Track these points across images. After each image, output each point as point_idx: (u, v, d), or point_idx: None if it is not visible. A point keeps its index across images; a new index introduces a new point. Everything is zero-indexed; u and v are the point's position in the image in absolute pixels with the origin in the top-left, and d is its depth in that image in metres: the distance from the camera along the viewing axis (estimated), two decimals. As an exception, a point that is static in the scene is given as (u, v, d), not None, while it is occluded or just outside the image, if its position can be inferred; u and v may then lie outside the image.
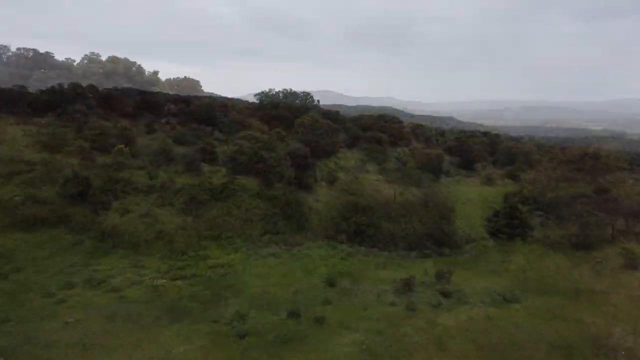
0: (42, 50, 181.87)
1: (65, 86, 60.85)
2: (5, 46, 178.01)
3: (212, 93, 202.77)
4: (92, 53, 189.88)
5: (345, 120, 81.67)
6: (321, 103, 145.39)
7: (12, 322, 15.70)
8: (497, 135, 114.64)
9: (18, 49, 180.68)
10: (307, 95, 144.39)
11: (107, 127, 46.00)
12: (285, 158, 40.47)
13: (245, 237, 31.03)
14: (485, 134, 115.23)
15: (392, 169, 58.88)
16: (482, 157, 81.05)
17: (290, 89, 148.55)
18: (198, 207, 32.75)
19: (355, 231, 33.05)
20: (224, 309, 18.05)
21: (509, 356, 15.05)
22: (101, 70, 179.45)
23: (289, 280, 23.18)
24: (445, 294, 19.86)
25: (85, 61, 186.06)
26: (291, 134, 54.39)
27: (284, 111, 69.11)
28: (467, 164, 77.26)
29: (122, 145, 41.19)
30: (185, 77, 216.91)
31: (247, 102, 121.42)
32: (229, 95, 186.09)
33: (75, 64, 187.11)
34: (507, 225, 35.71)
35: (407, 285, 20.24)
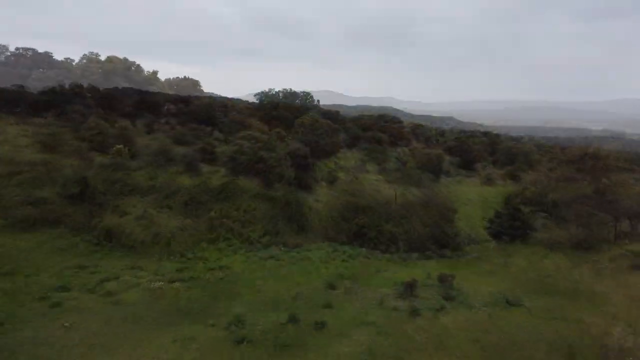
0: (41, 50, 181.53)
1: (67, 86, 60.58)
2: (4, 46, 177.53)
3: (212, 93, 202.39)
4: (91, 53, 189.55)
5: (345, 120, 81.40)
6: (321, 103, 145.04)
7: (5, 326, 15.33)
8: (497, 135, 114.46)
9: (17, 48, 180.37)
10: (307, 95, 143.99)
11: (105, 127, 45.62)
12: (285, 158, 40.13)
13: (245, 238, 30.67)
14: (485, 134, 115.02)
15: (392, 169, 58.58)
16: (482, 157, 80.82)
17: (290, 89, 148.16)
18: (197, 208, 32.39)
19: (355, 232, 32.71)
20: (222, 312, 17.69)
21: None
22: (100, 70, 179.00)
23: (289, 283, 22.83)
24: (448, 298, 19.51)
25: (84, 61, 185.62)
26: (291, 134, 54.08)
27: (283, 111, 68.80)
28: (467, 164, 77.03)
29: (121, 146, 40.81)
30: (184, 77, 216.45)
31: (247, 102, 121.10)
32: (229, 95, 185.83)
33: (74, 63, 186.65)
34: (509, 227, 35.38)
35: (409, 289, 19.88)
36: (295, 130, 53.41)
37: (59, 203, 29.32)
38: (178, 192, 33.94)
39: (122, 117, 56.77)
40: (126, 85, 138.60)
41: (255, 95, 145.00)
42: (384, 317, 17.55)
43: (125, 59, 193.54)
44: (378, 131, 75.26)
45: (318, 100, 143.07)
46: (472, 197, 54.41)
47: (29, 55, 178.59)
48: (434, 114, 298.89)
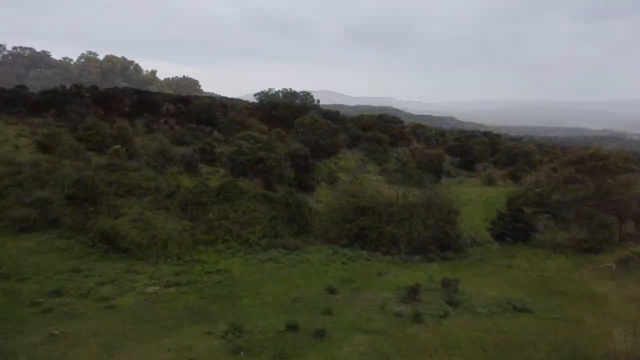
0: (39, 50, 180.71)
1: (68, 87, 60.11)
2: (1, 45, 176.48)
3: (212, 93, 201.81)
4: (90, 52, 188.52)
5: (346, 120, 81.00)
6: (321, 103, 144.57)
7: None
8: (497, 136, 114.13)
9: (14, 47, 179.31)
10: (307, 95, 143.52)
11: (103, 127, 45.13)
12: (285, 159, 39.67)
13: (243, 240, 30.14)
14: (486, 134, 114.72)
15: (393, 170, 58.10)
16: (483, 157, 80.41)
17: (290, 89, 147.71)
18: (195, 209, 31.84)
19: (356, 234, 32.17)
20: (219, 318, 17.15)
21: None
22: (98, 70, 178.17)
23: (288, 286, 22.30)
24: (452, 303, 18.98)
25: (82, 60, 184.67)
26: (291, 134, 53.60)
27: (283, 111, 68.39)
28: (467, 164, 76.61)
29: (119, 146, 40.34)
30: (184, 76, 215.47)
31: (247, 102, 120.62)
32: (229, 95, 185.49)
33: (72, 63, 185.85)
34: (512, 228, 34.91)
35: (412, 293, 19.35)
36: (295, 131, 52.92)
37: (51, 205, 28.88)
38: (176, 193, 33.39)
39: (120, 117, 56.32)
40: (125, 84, 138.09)
41: (255, 95, 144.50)
42: (386, 323, 17.02)
43: (124, 59, 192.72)
44: (378, 131, 74.85)
45: (318, 100, 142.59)
46: (473, 198, 53.99)
47: (26, 55, 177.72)
48: (434, 114, 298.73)
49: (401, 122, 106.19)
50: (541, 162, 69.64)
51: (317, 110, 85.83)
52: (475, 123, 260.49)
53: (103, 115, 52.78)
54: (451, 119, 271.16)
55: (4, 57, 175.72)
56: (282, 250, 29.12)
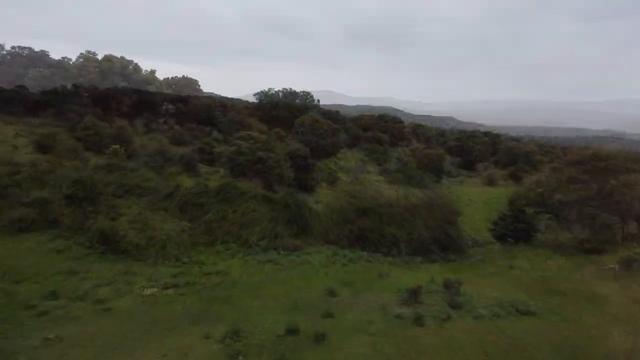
0: (38, 49, 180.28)
1: (69, 87, 59.94)
2: (0, 45, 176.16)
3: (212, 93, 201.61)
4: (88, 52, 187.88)
5: (346, 120, 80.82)
6: (321, 103, 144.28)
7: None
8: (497, 136, 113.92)
9: (13, 47, 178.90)
10: (307, 95, 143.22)
11: (102, 127, 44.96)
12: (284, 159, 39.42)
13: (243, 241, 29.85)
14: (486, 134, 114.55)
15: (393, 170, 57.86)
16: (484, 157, 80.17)
17: (290, 89, 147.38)
18: (193, 210, 31.57)
19: (357, 235, 31.90)
20: (217, 321, 16.88)
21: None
22: (97, 69, 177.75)
23: (288, 288, 22.02)
24: (454, 306, 18.73)
25: (81, 60, 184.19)
26: (291, 134, 53.38)
27: (283, 111, 68.20)
28: (468, 165, 76.37)
29: (117, 146, 40.14)
30: (183, 76, 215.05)
31: (246, 102, 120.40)
32: (229, 95, 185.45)
33: (71, 62, 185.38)
34: (514, 229, 34.69)
35: (414, 296, 19.10)
36: (295, 131, 52.70)
37: (57, 204, 28.70)
38: (175, 194, 33.11)
39: (119, 116, 56.13)
40: (124, 84, 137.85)
41: (254, 95, 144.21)
42: (387, 326, 16.80)
43: (123, 58, 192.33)
44: (378, 131, 74.66)
45: (318, 100, 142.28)
46: (474, 198, 53.79)
47: (25, 54, 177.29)
48: (434, 114, 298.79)
49: (401, 122, 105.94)
50: (542, 162, 69.45)
51: (317, 110, 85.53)
52: (476, 123, 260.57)
53: (102, 115, 52.52)
54: (451, 119, 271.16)
55: (3, 56, 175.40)
56: (281, 252, 28.82)
